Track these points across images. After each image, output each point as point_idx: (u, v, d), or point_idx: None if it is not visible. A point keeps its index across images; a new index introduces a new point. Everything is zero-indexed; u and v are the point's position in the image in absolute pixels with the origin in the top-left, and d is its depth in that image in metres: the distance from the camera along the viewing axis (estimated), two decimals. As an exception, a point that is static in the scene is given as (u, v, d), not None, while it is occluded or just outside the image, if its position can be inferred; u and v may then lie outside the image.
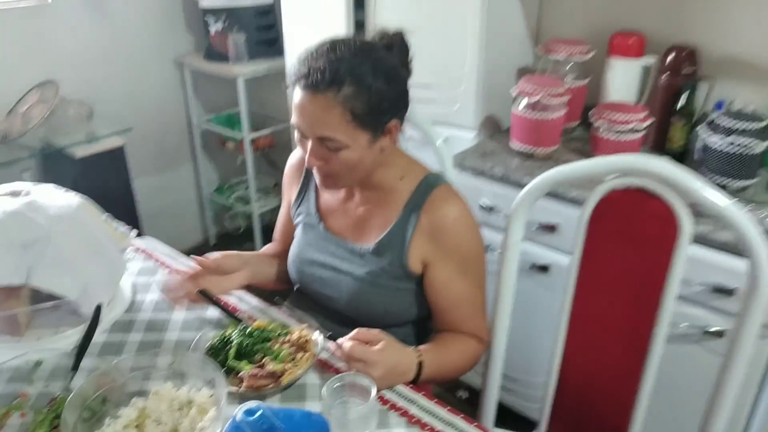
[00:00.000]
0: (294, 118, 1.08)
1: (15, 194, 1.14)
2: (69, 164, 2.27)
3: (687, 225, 1.03)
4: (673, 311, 1.09)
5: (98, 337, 1.14)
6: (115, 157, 2.35)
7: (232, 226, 3.25)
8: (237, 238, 3.21)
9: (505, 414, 1.96)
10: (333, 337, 1.16)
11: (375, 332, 1.05)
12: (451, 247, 1.15)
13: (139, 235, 1.41)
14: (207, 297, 1.19)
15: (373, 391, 0.89)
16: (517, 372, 1.91)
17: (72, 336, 1.14)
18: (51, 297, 1.13)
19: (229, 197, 3.08)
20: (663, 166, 1.02)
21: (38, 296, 1.15)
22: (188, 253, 1.48)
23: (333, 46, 1.04)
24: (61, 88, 2.24)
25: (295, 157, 1.36)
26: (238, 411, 0.78)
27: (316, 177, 1.15)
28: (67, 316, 1.18)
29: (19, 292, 1.12)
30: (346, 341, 1.02)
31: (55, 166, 2.42)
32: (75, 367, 1.03)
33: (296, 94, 1.06)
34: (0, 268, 1.06)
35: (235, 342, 1.06)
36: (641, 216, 1.07)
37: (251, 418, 0.77)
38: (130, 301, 1.26)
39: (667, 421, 1.59)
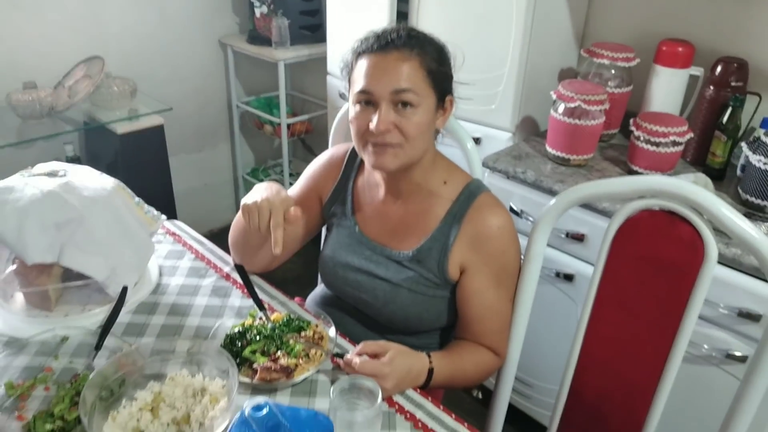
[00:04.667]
0: (361, 85, 1.07)
1: (52, 174, 1.18)
2: (110, 139, 2.33)
3: (713, 253, 1.00)
4: (691, 335, 1.07)
5: (123, 317, 1.18)
6: (155, 135, 2.40)
7: (265, 208, 3.29)
8: (269, 219, 3.25)
9: (518, 416, 1.97)
10: (357, 342, 1.17)
11: (381, 343, 1.06)
12: (491, 256, 1.15)
13: (171, 215, 1.44)
14: (242, 274, 1.23)
15: (379, 396, 0.90)
16: (534, 377, 1.90)
17: (99, 314, 1.18)
18: (81, 275, 1.17)
19: (262, 180, 3.13)
20: (695, 191, 0.99)
21: (69, 274, 1.19)
22: (219, 231, 1.52)
23: (396, 25, 1.12)
24: (106, 65, 2.29)
25: (338, 151, 1.32)
26: (247, 406, 0.81)
27: (373, 156, 1.10)
28: (95, 294, 1.22)
29: (51, 269, 1.17)
30: (354, 358, 1.02)
31: (96, 141, 2.49)
32: (98, 347, 1.07)
33: (363, 63, 1.08)
34: (34, 246, 1.10)
35: (259, 342, 1.09)
36: (668, 239, 1.05)
37: (259, 414, 0.79)
38: (156, 283, 1.30)
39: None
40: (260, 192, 1.14)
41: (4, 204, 1.10)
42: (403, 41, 1.07)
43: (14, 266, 1.19)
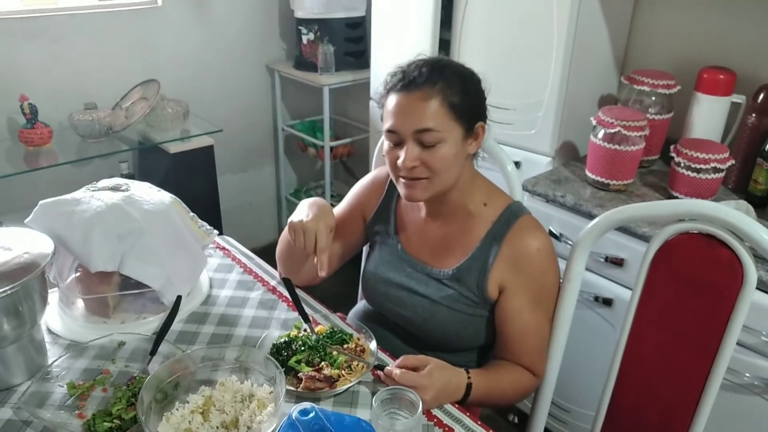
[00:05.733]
0: (388, 124, 1.13)
1: (116, 189, 1.27)
2: (163, 158, 2.44)
3: (752, 277, 1.01)
4: (732, 363, 1.07)
5: (175, 325, 1.24)
6: (205, 156, 2.51)
7: (306, 228, 3.37)
8: (310, 239, 3.32)
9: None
10: (397, 357, 1.20)
11: (421, 357, 1.09)
12: (530, 277, 1.18)
13: (219, 233, 1.52)
14: (289, 287, 1.29)
15: (420, 406, 0.93)
16: (571, 402, 1.89)
17: (153, 322, 1.25)
18: (137, 285, 1.25)
19: (305, 200, 3.20)
20: (734, 214, 1.01)
21: (126, 283, 1.27)
22: (262, 250, 1.58)
23: (423, 58, 1.14)
24: (162, 87, 2.41)
25: (381, 173, 1.37)
26: (294, 410, 0.85)
27: (404, 188, 1.15)
28: (149, 304, 1.29)
29: (111, 278, 1.24)
30: (395, 369, 1.06)
31: (150, 159, 2.60)
32: (153, 352, 1.13)
33: (390, 101, 1.12)
34: (98, 255, 1.17)
35: (304, 353, 1.13)
36: (706, 261, 1.06)
37: (305, 418, 0.84)
38: (207, 294, 1.36)
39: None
40: (307, 210, 1.19)
41: (72, 215, 1.19)
42: (425, 78, 1.09)
43: (77, 273, 1.27)
